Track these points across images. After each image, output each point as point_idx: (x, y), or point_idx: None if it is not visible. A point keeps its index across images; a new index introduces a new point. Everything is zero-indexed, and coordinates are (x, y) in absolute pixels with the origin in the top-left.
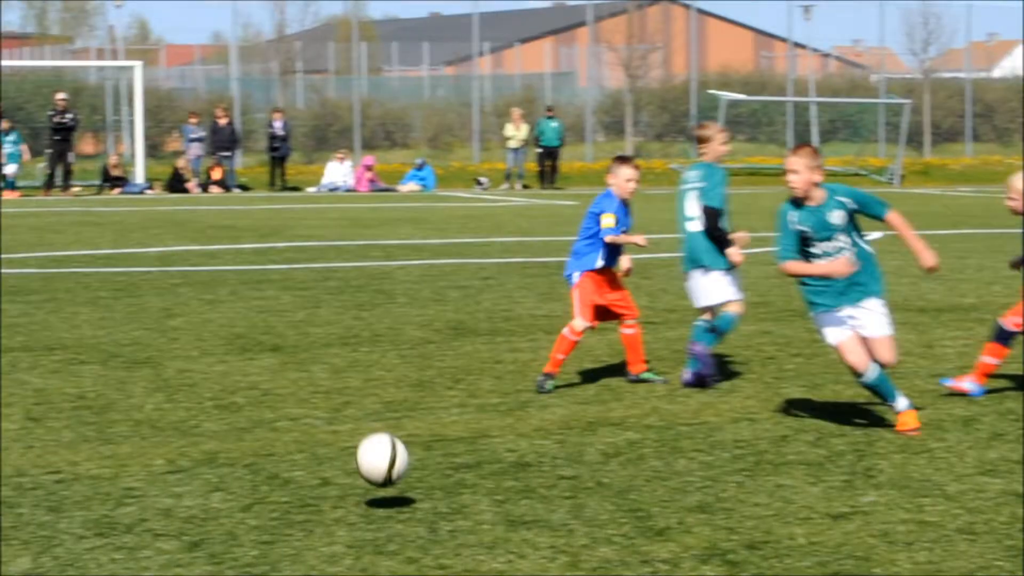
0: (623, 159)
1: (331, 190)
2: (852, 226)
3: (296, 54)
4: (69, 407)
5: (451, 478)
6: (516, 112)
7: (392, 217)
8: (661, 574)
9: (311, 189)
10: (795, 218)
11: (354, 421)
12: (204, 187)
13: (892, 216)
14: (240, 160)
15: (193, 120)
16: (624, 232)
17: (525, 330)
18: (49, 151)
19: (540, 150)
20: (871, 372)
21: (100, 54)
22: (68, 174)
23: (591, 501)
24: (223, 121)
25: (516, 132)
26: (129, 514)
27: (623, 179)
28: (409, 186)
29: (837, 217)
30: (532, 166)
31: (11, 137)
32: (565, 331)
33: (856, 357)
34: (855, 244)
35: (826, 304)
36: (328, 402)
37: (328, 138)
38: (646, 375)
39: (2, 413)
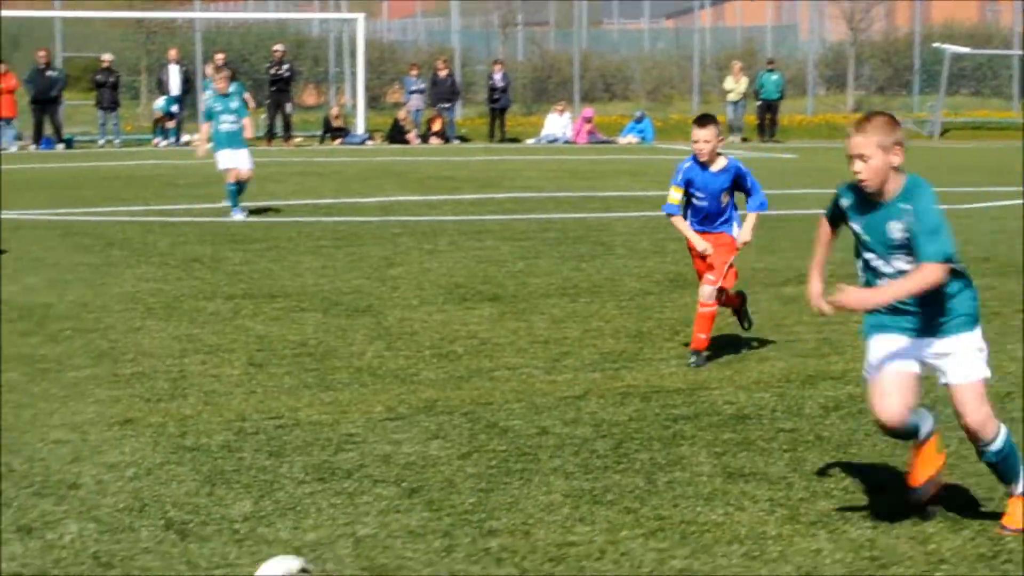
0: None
1: (550, 142)
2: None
3: (517, 7)
4: (291, 354)
5: (669, 429)
6: (736, 65)
7: (610, 169)
8: (881, 528)
9: (530, 141)
10: (846, 203)
11: (572, 371)
12: (424, 138)
13: (928, 268)
14: (460, 111)
15: (414, 72)
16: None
17: (743, 282)
18: (267, 102)
19: (760, 103)
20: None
21: (324, 7)
22: (288, 125)
23: (810, 455)
24: (443, 73)
25: (736, 85)
26: (349, 460)
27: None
28: (628, 138)
29: (895, 230)
30: (751, 119)
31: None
32: None
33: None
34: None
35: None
36: (546, 352)
37: (548, 90)
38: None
39: (225, 359)
